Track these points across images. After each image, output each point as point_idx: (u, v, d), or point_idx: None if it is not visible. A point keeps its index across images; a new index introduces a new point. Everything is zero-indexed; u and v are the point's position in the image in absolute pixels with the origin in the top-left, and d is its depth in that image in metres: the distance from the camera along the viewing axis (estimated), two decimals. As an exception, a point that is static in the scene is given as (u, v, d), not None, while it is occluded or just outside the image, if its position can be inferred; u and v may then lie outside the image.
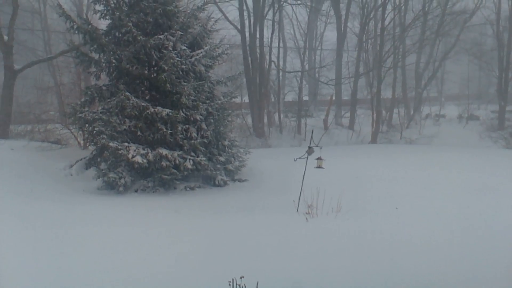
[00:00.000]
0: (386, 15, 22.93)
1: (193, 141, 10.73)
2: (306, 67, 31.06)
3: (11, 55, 15.46)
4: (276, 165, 12.97)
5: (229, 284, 4.07)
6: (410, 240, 6.34)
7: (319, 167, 8.58)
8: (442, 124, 28.25)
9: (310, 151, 8.38)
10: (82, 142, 14.26)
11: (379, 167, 12.87)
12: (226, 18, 24.59)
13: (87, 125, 10.74)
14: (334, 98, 28.63)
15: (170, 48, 10.55)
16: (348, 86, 28.62)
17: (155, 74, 10.72)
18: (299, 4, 28.55)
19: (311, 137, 8.81)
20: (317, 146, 8.44)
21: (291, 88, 32.35)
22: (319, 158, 8.58)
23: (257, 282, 4.17)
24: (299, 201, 8.12)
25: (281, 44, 28.06)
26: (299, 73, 28.53)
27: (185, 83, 10.77)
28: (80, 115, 10.57)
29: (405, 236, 6.52)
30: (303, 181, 8.29)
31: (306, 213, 7.61)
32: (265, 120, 24.55)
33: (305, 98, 32.43)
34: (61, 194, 9.47)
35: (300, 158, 8.39)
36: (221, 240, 6.44)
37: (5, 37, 15.29)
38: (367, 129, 23.67)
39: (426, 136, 22.54)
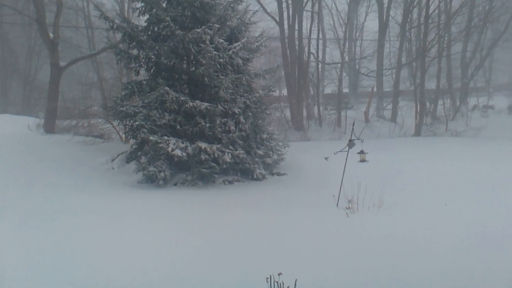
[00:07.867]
0: (430, 2, 21.80)
1: (231, 134, 10.72)
2: (346, 58, 30.38)
3: (57, 52, 16.02)
4: (315, 159, 12.72)
5: (267, 281, 3.97)
6: (460, 237, 5.98)
7: (363, 160, 8.30)
8: (490, 115, 26.76)
9: (351, 144, 8.11)
10: (123, 136, 14.57)
11: (423, 160, 12.39)
12: (265, 10, 24.38)
13: (128, 119, 10.94)
14: (375, 90, 27.91)
15: (208, 42, 10.53)
16: (390, 78, 27.77)
17: (193, 68, 10.75)
18: (339, -7, 27.94)
19: (352, 130, 8.52)
20: (358, 139, 8.16)
21: (330, 80, 31.85)
22: (362, 152, 8.30)
23: (296, 280, 4.03)
24: (339, 196, 7.90)
25: (320, 36, 27.54)
26: (339, 65, 27.97)
27: (223, 77, 10.75)
28: (121, 108, 10.80)
29: (454, 232, 6.16)
30: (343, 175, 8.06)
31: (347, 208, 7.40)
32: (304, 113, 24.25)
33: (345, 90, 31.82)
34: (103, 187, 9.69)
35: (340, 151, 8.15)
36: (257, 235, 6.31)
37: (51, 35, 15.81)
38: (410, 121, 22.85)
39: (473, 128, 21.46)
